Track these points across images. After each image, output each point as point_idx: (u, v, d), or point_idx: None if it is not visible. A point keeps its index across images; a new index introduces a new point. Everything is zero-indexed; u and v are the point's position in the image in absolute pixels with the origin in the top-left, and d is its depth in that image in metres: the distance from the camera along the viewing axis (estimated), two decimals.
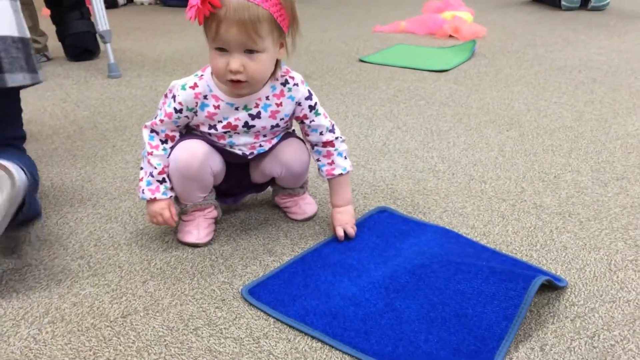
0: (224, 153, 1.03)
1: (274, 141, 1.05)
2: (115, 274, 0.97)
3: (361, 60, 2.41)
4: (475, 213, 1.16)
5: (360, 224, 1.10)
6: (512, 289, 0.85)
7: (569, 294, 0.91)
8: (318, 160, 1.07)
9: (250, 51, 0.89)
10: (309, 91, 1.02)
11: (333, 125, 1.06)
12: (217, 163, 1.02)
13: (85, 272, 0.97)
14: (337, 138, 1.06)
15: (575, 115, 1.73)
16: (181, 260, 1.01)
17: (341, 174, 1.06)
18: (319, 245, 1.04)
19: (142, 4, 4.04)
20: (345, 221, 1.06)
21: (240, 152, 1.03)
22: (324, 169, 1.06)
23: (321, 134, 1.04)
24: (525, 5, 3.91)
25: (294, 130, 1.11)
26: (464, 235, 1.08)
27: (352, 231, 1.05)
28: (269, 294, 0.90)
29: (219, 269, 0.98)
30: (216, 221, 1.11)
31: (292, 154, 1.05)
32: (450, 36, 2.85)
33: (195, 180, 1.00)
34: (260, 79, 0.94)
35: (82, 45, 2.40)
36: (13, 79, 0.99)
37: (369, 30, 3.08)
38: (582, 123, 1.67)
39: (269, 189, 1.18)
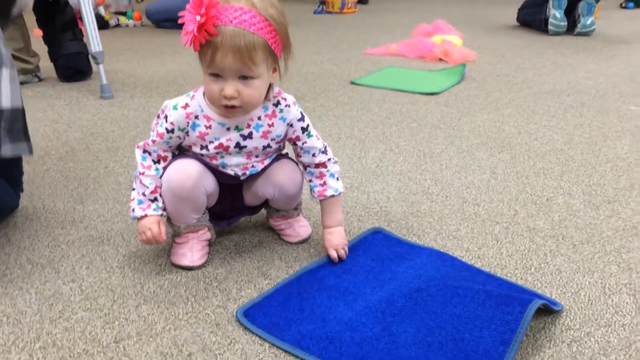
0: (217, 174, 1.02)
1: (267, 162, 1.05)
2: (107, 298, 0.96)
3: (353, 83, 2.43)
4: (469, 236, 1.17)
5: (354, 246, 1.10)
6: (509, 313, 0.85)
7: (564, 318, 0.91)
8: (310, 181, 1.07)
9: (244, 77, 0.89)
10: (301, 113, 1.02)
11: (325, 147, 1.06)
12: (210, 183, 1.01)
13: (77, 296, 0.96)
14: (329, 159, 1.06)
15: (565, 138, 1.76)
16: (175, 284, 1.00)
17: (333, 195, 1.06)
18: (314, 267, 1.04)
19: (127, 26, 4.04)
20: (337, 243, 1.06)
21: (232, 173, 1.03)
22: (316, 189, 1.06)
23: (314, 155, 1.05)
24: (514, 30, 3.98)
25: (287, 152, 1.11)
26: (459, 258, 1.08)
27: (343, 253, 1.06)
28: (264, 316, 0.89)
29: (213, 293, 0.97)
30: (210, 243, 1.10)
31: (284, 175, 1.05)
32: (440, 59, 2.89)
33: (188, 200, 0.99)
34: (254, 104, 0.94)
35: (74, 66, 2.39)
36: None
37: (360, 52, 3.11)
38: (572, 146, 1.68)
39: (263, 211, 1.18)
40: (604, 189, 1.39)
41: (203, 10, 0.83)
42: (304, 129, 1.03)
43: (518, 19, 4.12)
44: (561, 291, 0.98)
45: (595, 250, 1.11)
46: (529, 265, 1.06)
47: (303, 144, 1.04)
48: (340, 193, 1.07)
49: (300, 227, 1.14)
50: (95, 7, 3.75)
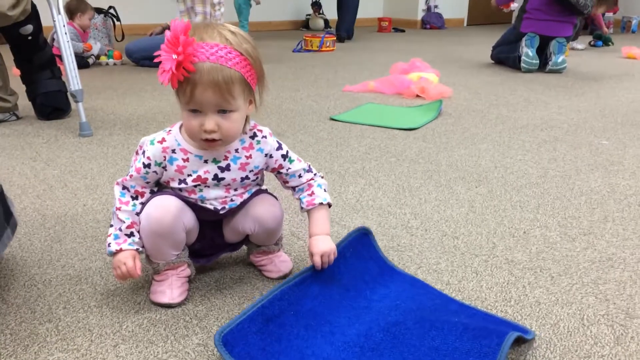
0: (197, 210, 1.02)
1: (246, 196, 1.05)
2: (85, 338, 0.94)
3: (332, 119, 2.47)
4: (449, 269, 1.17)
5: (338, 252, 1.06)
6: (486, 345, 0.85)
7: (544, 349, 0.92)
8: (300, 196, 1.07)
9: (223, 111, 0.91)
10: (277, 142, 1.04)
11: (309, 166, 1.08)
12: (189, 219, 1.01)
13: (53, 337, 0.94)
14: (315, 174, 1.08)
15: (540, 172, 1.79)
16: (154, 322, 0.98)
17: (321, 204, 1.06)
18: (289, 285, 0.99)
19: (107, 64, 4.06)
20: (323, 249, 1.02)
21: (212, 207, 1.03)
22: (304, 200, 1.06)
23: (300, 176, 1.07)
24: (487, 68, 4.09)
25: (266, 188, 1.12)
26: (430, 285, 1.09)
27: (332, 258, 1.03)
28: (243, 346, 0.87)
29: (193, 331, 0.96)
30: (190, 280, 1.09)
31: (264, 208, 1.05)
32: (418, 96, 2.96)
33: (167, 236, 0.99)
34: (234, 136, 0.96)
35: (53, 104, 2.39)
36: None
37: (339, 90, 3.16)
38: (547, 179, 1.72)
39: (244, 247, 1.17)
40: (579, 221, 1.42)
41: (180, 48, 0.85)
42: (284, 156, 1.05)
43: (492, 57, 4.25)
44: (540, 323, 0.99)
45: (573, 281, 1.13)
46: (508, 298, 1.07)
47: (287, 170, 1.06)
48: (328, 203, 1.07)
49: (281, 263, 1.14)
50: (82, 52, 3.77)
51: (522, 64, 3.82)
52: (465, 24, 8.79)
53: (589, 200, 1.55)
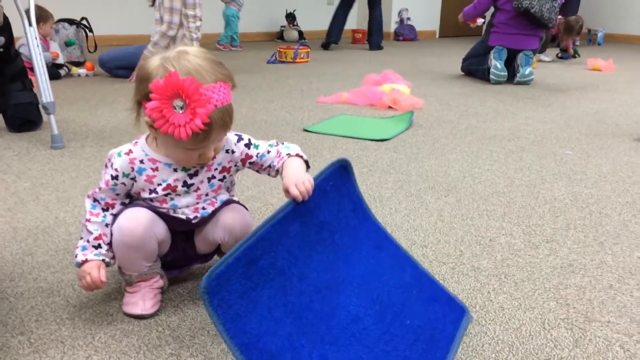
0: (168, 220, 1.04)
1: (217, 205, 1.07)
2: (57, 350, 0.94)
3: (305, 130, 2.50)
4: None
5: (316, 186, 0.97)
6: (432, 358, 0.92)
7: (507, 353, 0.95)
8: (274, 166, 1.05)
9: None
10: (235, 135, 1.05)
11: (276, 141, 1.07)
12: (161, 230, 1.03)
13: (25, 349, 0.94)
14: (281, 144, 1.06)
15: (506, 181, 1.85)
16: (127, 333, 0.99)
17: (289, 154, 1.04)
18: (272, 223, 0.90)
19: (79, 75, 4.03)
20: (296, 178, 0.93)
21: (184, 217, 1.05)
22: (275, 162, 1.04)
23: (269, 152, 1.05)
24: (458, 79, 4.18)
25: (238, 200, 1.14)
26: (397, 246, 1.09)
27: (306, 187, 0.92)
28: (225, 293, 0.82)
29: (166, 341, 0.97)
30: (162, 291, 1.10)
31: (233, 217, 1.07)
32: (390, 107, 3.01)
33: (139, 248, 1.00)
34: (218, 152, 1.01)
35: (24, 116, 2.37)
36: None
37: (313, 101, 3.20)
38: (513, 189, 1.78)
39: (216, 258, 1.19)
40: (543, 229, 1.47)
41: (202, 110, 0.86)
42: (247, 145, 1.05)
43: (462, 69, 4.34)
44: (504, 327, 1.03)
45: (536, 287, 1.17)
46: (474, 304, 1.11)
47: (257, 155, 1.05)
48: (297, 154, 1.04)
49: None
50: (51, 60, 3.74)
51: (491, 76, 3.91)
52: (437, 35, 8.95)
53: (553, 209, 1.61)
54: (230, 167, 1.06)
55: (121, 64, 3.87)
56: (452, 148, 2.25)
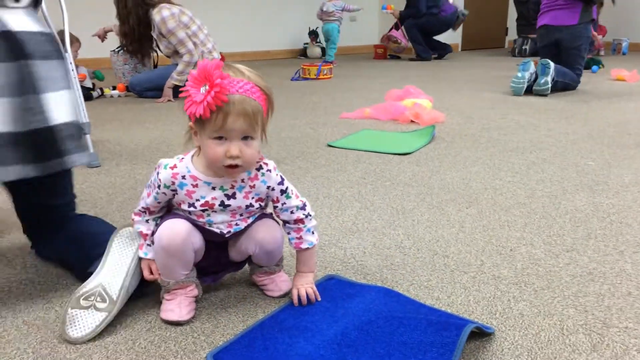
0: (204, 232, 1.12)
1: (250, 220, 1.15)
2: (101, 355, 1.01)
3: (329, 145, 2.57)
4: (440, 285, 1.25)
5: None
6: (447, 336, 0.98)
7: (525, 357, 0.99)
8: (289, 233, 1.18)
9: (245, 137, 1.01)
10: (280, 177, 1.13)
11: (304, 204, 1.17)
12: (197, 240, 1.11)
13: (72, 354, 1.02)
14: (307, 216, 1.16)
15: (528, 192, 1.88)
16: (164, 339, 1.06)
17: (308, 248, 1.17)
18: (275, 312, 1.13)
19: (111, 96, 4.18)
20: (303, 282, 1.17)
21: (218, 231, 1.12)
22: (293, 241, 1.18)
23: (292, 212, 1.15)
24: (479, 93, 4.21)
25: (270, 212, 1.21)
26: (404, 294, 1.18)
27: (310, 291, 1.16)
28: (232, 357, 0.98)
29: (201, 346, 1.04)
30: (197, 300, 1.17)
31: (264, 232, 1.15)
32: (412, 121, 3.06)
33: (177, 256, 1.08)
34: (253, 162, 1.06)
35: None
36: (73, 161, 1.21)
37: (336, 117, 3.27)
38: (534, 200, 1.81)
39: (246, 267, 1.26)
40: (563, 238, 1.50)
41: (218, 80, 0.95)
42: (282, 191, 1.14)
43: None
44: (523, 333, 1.07)
45: (555, 295, 1.21)
46: (494, 311, 1.15)
47: (282, 204, 1.14)
48: (314, 245, 1.18)
49: (282, 282, 1.22)
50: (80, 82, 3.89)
51: (511, 84, 3.98)
52: (459, 49, 8.98)
53: (574, 219, 1.64)
54: (265, 198, 1.15)
55: (149, 86, 4.03)
56: (474, 161, 2.29)
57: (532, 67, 3.96)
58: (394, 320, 1.05)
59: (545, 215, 1.67)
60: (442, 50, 7.26)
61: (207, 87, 0.96)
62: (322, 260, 1.38)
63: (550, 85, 3.91)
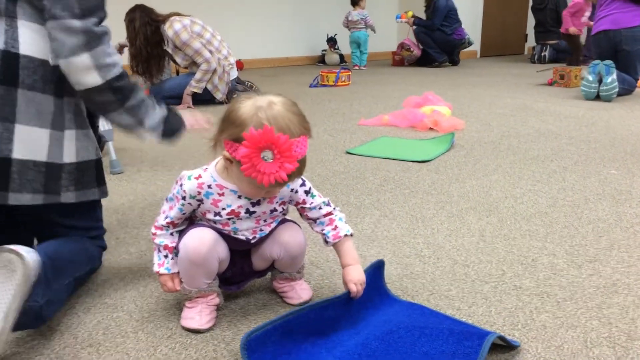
0: (229, 240, 1.12)
1: (273, 225, 1.16)
2: None
3: (348, 152, 2.57)
4: (460, 295, 1.24)
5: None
6: (469, 346, 0.96)
7: None
8: (322, 230, 1.17)
9: None
10: (301, 179, 1.14)
11: (328, 200, 1.18)
12: (222, 250, 1.11)
13: None
14: (334, 208, 1.18)
15: (549, 201, 1.86)
16: (185, 346, 1.07)
17: (346, 235, 1.16)
18: (313, 308, 1.07)
19: None
20: (357, 278, 1.12)
21: (244, 238, 1.13)
22: (330, 235, 1.16)
23: (320, 208, 1.16)
24: (498, 100, 4.18)
25: (293, 220, 1.21)
26: (428, 307, 1.18)
27: (360, 289, 1.12)
28: (260, 353, 0.96)
29: (221, 354, 1.04)
30: (218, 308, 1.17)
31: (289, 234, 1.16)
32: (431, 129, 3.05)
33: (202, 265, 1.09)
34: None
35: None
36: (17, 199, 1.13)
37: (355, 123, 3.27)
38: (556, 209, 1.79)
39: (267, 275, 1.26)
40: (586, 249, 1.48)
41: (282, 160, 0.95)
42: (307, 192, 1.15)
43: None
44: (546, 345, 1.05)
45: (578, 306, 1.19)
46: (516, 322, 1.13)
47: (310, 204, 1.16)
48: (352, 234, 1.17)
49: (302, 290, 1.22)
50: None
51: (582, 88, 4.02)
52: (478, 55, 8.94)
53: (596, 229, 1.62)
54: (289, 202, 1.16)
55: (169, 94, 4.07)
56: (494, 169, 2.28)
57: (597, 69, 3.95)
58: (415, 330, 1.04)
59: (567, 225, 1.65)
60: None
61: (273, 159, 0.95)
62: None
63: (617, 84, 3.90)
